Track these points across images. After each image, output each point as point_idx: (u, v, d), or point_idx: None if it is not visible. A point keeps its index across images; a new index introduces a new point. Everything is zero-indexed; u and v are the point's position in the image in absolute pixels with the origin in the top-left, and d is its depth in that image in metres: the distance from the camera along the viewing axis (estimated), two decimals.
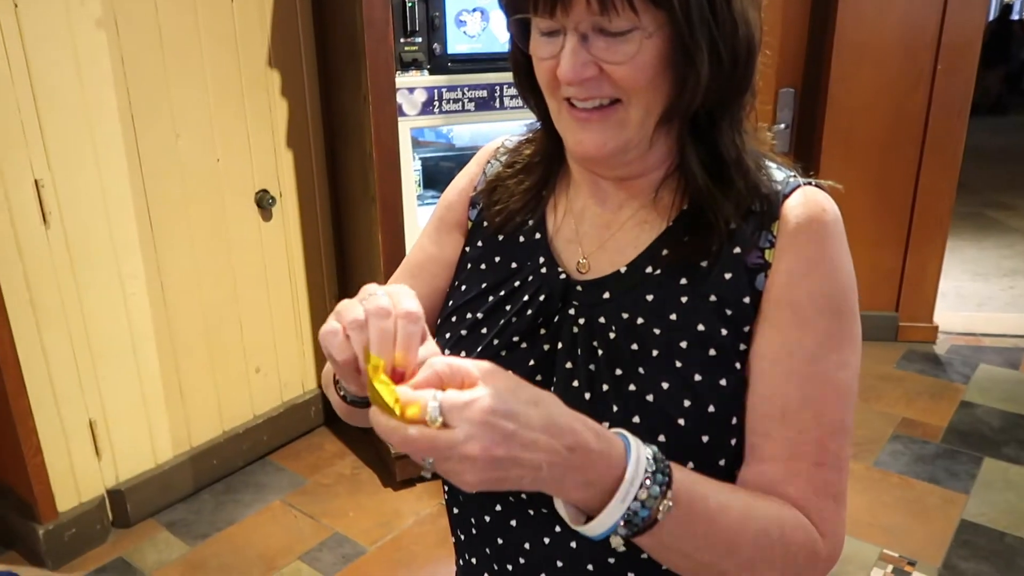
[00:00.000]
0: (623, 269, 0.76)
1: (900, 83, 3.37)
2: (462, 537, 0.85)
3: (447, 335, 0.83)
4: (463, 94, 2.40)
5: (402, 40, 2.26)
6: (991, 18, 12.34)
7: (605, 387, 0.72)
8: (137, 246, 2.32)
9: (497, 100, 2.44)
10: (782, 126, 3.61)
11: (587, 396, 0.73)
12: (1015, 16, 13.81)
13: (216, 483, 2.68)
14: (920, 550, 2.33)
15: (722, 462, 0.70)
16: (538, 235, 0.83)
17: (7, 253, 2.05)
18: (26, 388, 2.12)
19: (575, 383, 0.74)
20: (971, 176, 6.87)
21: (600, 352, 0.74)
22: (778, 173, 0.76)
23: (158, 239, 2.37)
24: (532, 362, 0.77)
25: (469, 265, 0.87)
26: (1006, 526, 2.42)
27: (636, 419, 0.70)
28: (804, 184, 0.74)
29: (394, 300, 0.60)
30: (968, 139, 3.49)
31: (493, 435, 0.52)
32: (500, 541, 0.79)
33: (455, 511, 0.85)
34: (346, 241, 2.88)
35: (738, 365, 0.71)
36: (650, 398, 0.70)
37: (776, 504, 0.67)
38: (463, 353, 0.80)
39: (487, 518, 0.79)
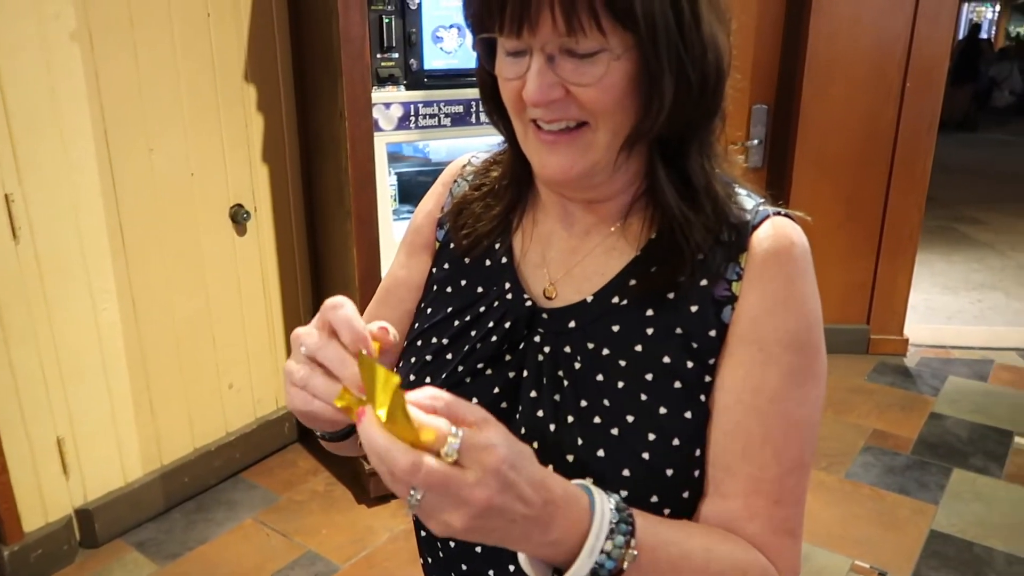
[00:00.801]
0: (589, 299, 0.75)
1: (870, 100, 3.44)
2: (429, 560, 0.85)
3: (412, 359, 0.83)
4: (439, 109, 2.41)
5: (379, 56, 2.27)
6: (960, 37, 12.62)
7: (570, 419, 0.72)
8: (109, 261, 2.30)
9: (473, 116, 2.46)
10: (755, 142, 3.66)
11: (552, 427, 0.72)
12: (983, 35, 14.13)
13: (187, 501, 2.64)
14: (891, 561, 2.36)
15: (686, 494, 0.70)
16: (505, 259, 0.82)
17: None
18: None
19: (540, 413, 0.73)
20: (941, 191, 7.01)
21: (566, 383, 0.73)
22: (748, 201, 0.75)
23: (130, 254, 2.35)
24: (497, 389, 0.76)
25: (435, 287, 0.86)
26: (974, 536, 2.46)
27: (601, 452, 0.70)
28: (773, 214, 0.74)
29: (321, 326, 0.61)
30: (938, 155, 3.56)
31: (500, 484, 0.52)
32: (464, 568, 0.78)
33: (422, 534, 0.85)
34: (321, 256, 2.87)
35: (703, 397, 0.71)
36: (615, 431, 0.70)
37: (737, 547, 0.68)
38: (428, 379, 0.79)
39: (452, 544, 0.79)
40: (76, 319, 2.25)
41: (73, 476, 2.34)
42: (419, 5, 2.28)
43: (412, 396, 0.55)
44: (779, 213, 0.74)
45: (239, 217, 2.58)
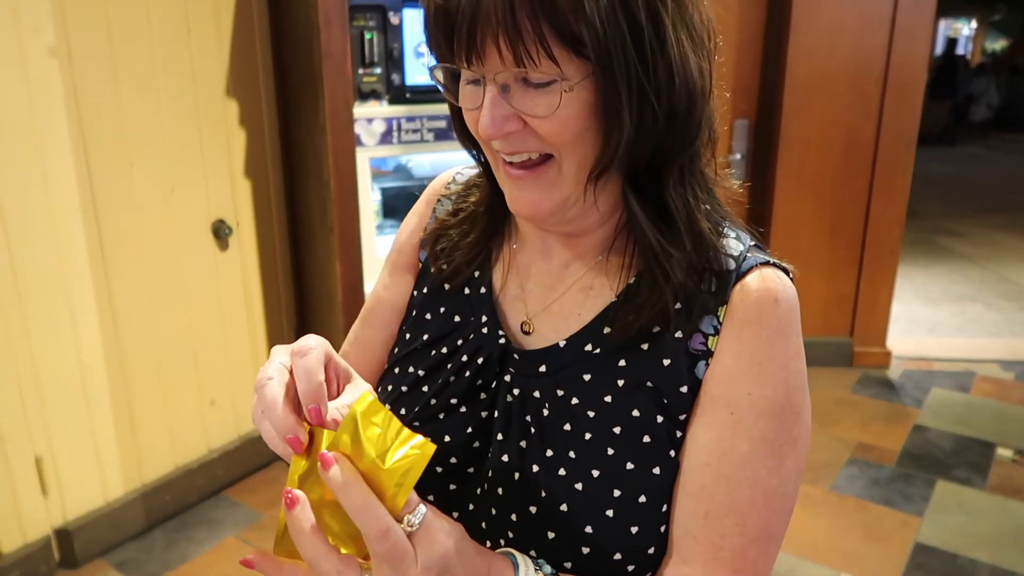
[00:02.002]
0: (562, 343, 0.73)
1: (850, 115, 3.48)
2: None
3: (389, 387, 0.82)
4: (422, 124, 2.42)
5: (361, 71, 2.27)
6: (938, 53, 12.83)
7: (535, 468, 0.70)
8: (88, 277, 2.28)
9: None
10: (737, 156, 3.69)
11: (516, 475, 0.71)
12: (959, 51, 14.36)
13: (169, 520, 2.61)
14: (876, 573, 2.36)
15: (651, 550, 0.68)
16: (483, 290, 0.79)
17: None
18: None
19: (505, 458, 0.72)
20: (921, 204, 7.10)
21: (533, 430, 0.71)
22: (735, 245, 0.70)
23: (110, 270, 2.33)
24: (470, 429, 0.74)
25: (415, 311, 0.85)
26: (959, 548, 2.46)
27: (564, 507, 0.68)
28: (761, 264, 0.69)
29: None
30: (918, 168, 3.60)
31: (440, 572, 0.55)
32: None
33: None
34: (304, 270, 2.85)
35: (673, 453, 0.68)
36: (579, 486, 0.68)
37: None
38: (403, 411, 0.78)
39: None
40: (55, 335, 2.23)
41: (52, 495, 2.30)
42: (401, 21, 2.29)
43: None
44: (768, 263, 0.70)
45: (221, 232, 2.57)
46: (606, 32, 0.58)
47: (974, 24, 17.92)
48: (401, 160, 2.71)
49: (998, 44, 17.82)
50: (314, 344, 0.62)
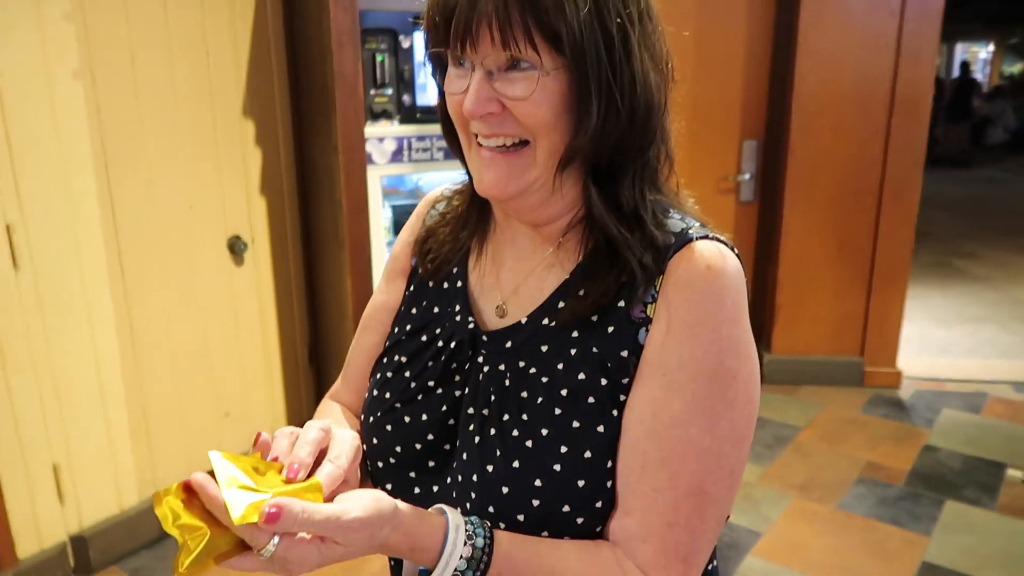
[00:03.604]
0: (524, 320, 0.80)
1: (857, 135, 3.51)
2: None
3: (377, 375, 0.89)
4: (432, 143, 2.48)
5: (372, 91, 2.35)
6: (954, 76, 12.82)
7: (492, 431, 0.76)
8: (107, 290, 2.35)
9: None
10: (747, 176, 3.73)
11: (476, 440, 0.77)
12: (976, 75, 14.32)
13: None
14: None
15: (599, 504, 0.73)
16: (460, 283, 0.87)
17: None
18: None
19: (471, 427, 0.78)
20: (936, 226, 7.07)
21: (493, 398, 0.78)
22: (678, 225, 0.76)
23: (129, 283, 2.40)
24: (444, 407, 0.81)
25: (403, 308, 0.92)
26: (966, 568, 2.45)
27: (515, 464, 0.74)
28: (699, 238, 0.74)
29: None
30: (935, 190, 3.64)
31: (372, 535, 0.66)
32: None
33: (392, 563, 0.90)
34: (317, 286, 2.92)
35: (615, 412, 0.73)
36: (529, 444, 0.74)
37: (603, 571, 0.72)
38: (388, 395, 0.85)
39: None
40: (74, 347, 2.29)
41: (68, 502, 2.36)
42: (411, 44, 2.36)
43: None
44: (706, 237, 0.75)
45: (236, 248, 2.64)
46: (582, 34, 0.68)
47: (991, 48, 17.89)
48: (415, 180, 2.77)
49: (1016, 67, 17.77)
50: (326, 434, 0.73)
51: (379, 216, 2.47)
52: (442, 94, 0.80)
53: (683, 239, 0.74)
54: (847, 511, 2.78)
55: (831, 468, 3.06)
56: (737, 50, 3.59)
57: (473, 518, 0.72)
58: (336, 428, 0.75)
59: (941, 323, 4.76)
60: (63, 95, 2.16)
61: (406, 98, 2.39)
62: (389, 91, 2.36)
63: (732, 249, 0.76)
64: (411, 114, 2.42)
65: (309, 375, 3.02)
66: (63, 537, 2.37)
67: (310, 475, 0.69)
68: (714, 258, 0.73)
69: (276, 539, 0.62)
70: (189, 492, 0.64)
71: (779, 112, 3.61)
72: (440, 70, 0.77)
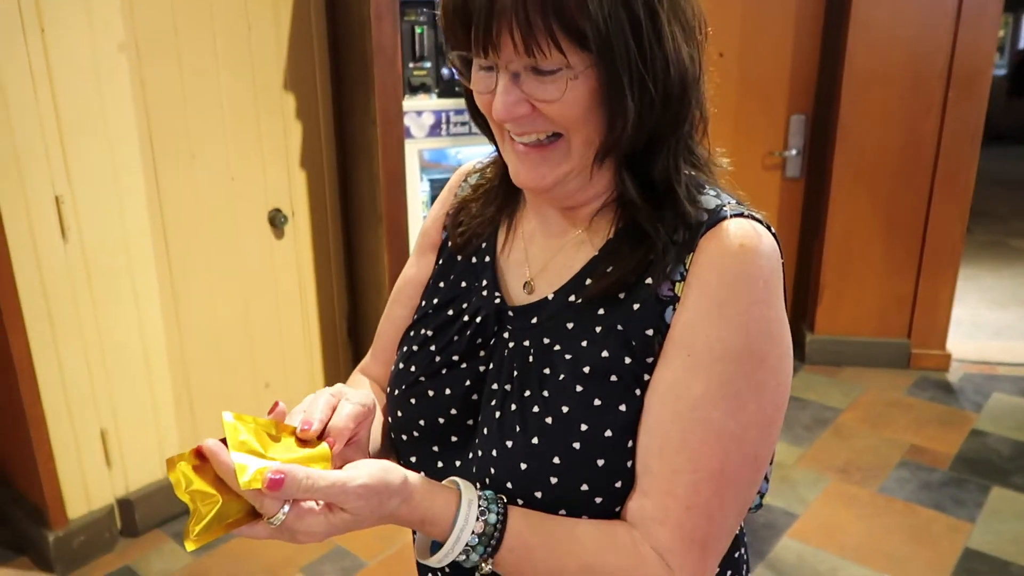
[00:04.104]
0: (550, 296, 0.79)
1: (911, 110, 3.39)
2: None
3: (403, 348, 0.89)
4: (470, 117, 2.46)
5: (411, 65, 2.34)
6: (1020, 47, 12.26)
7: (513, 407, 0.76)
8: (152, 261, 2.40)
9: None
10: (793, 152, 3.64)
11: (497, 415, 0.77)
12: None
13: None
14: None
15: (618, 484, 0.72)
16: (487, 257, 0.86)
17: (27, 266, 2.13)
18: (40, 397, 2.20)
19: (493, 402, 0.78)
20: (994, 204, 6.82)
21: (515, 373, 0.77)
22: (712, 202, 0.74)
23: (172, 255, 2.45)
24: (468, 382, 0.81)
25: (431, 282, 0.92)
26: (1012, 555, 2.39)
27: (535, 440, 0.73)
28: (733, 216, 0.72)
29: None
30: (992, 168, 3.51)
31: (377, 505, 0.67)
32: None
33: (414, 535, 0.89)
34: (355, 259, 2.94)
35: (638, 392, 0.72)
36: (549, 420, 0.73)
37: (620, 556, 0.70)
38: (413, 368, 0.85)
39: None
40: (120, 316, 2.36)
41: (115, 467, 2.44)
42: None
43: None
44: (741, 215, 0.72)
45: (277, 221, 2.67)
46: (608, 28, 0.65)
47: None
48: (455, 154, 2.76)
49: None
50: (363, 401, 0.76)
51: (417, 190, 2.47)
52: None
53: (716, 216, 0.72)
54: (888, 495, 2.72)
55: (872, 451, 3.00)
56: (786, 21, 3.48)
57: (488, 493, 0.72)
58: (348, 390, 0.77)
59: (994, 305, 4.61)
60: (109, 69, 2.20)
61: (445, 71, 2.37)
62: (428, 64, 2.35)
63: (768, 228, 0.73)
64: (450, 87, 2.40)
65: (348, 348, 3.05)
66: (110, 500, 2.45)
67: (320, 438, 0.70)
68: (748, 237, 0.70)
69: (287, 507, 0.62)
70: (201, 458, 0.64)
71: (829, 86, 3.50)
72: (464, 65, 0.74)
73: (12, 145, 2.05)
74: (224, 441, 0.64)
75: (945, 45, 3.28)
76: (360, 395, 0.76)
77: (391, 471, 0.67)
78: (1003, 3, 3.25)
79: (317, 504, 0.64)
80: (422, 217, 2.54)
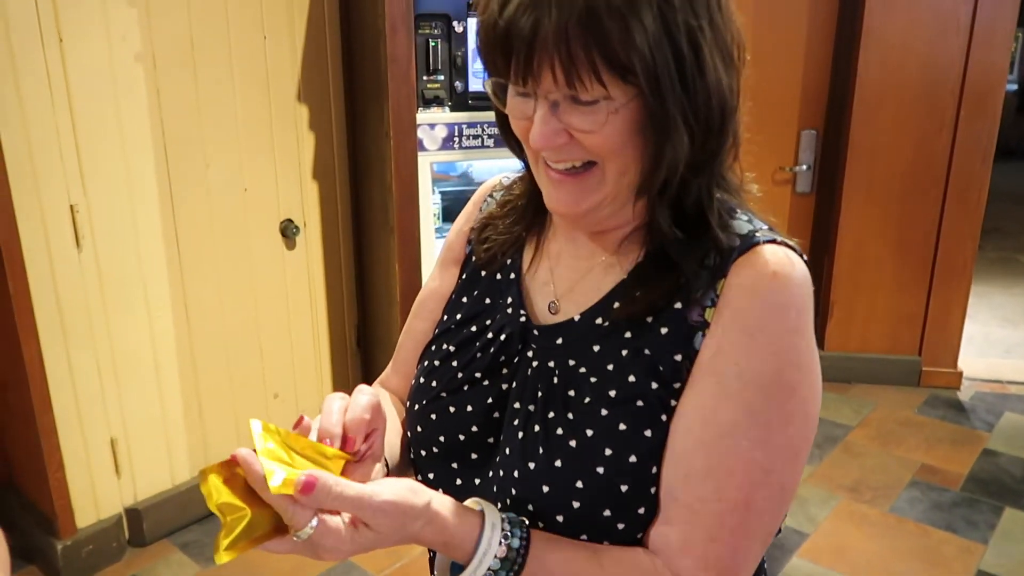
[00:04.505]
0: (577, 318, 0.78)
1: (923, 126, 3.38)
2: None
3: (424, 363, 0.88)
4: (482, 130, 2.47)
5: (425, 78, 2.34)
6: None
7: (536, 428, 0.75)
8: (164, 270, 2.41)
9: None
10: (804, 167, 3.63)
11: (520, 435, 0.76)
12: None
13: None
14: None
15: (641, 510, 0.71)
16: (512, 275, 0.85)
17: (41, 273, 2.14)
18: (51, 405, 2.20)
19: (516, 422, 0.77)
20: (1006, 221, 6.79)
21: (540, 394, 0.76)
22: (744, 227, 0.73)
23: (184, 264, 2.45)
24: (490, 400, 0.80)
25: (454, 296, 0.91)
26: None
27: (558, 463, 0.72)
28: (766, 242, 0.71)
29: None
30: (1004, 184, 3.48)
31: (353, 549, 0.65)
32: None
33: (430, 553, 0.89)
34: (367, 271, 2.94)
35: (664, 418, 0.71)
36: (573, 443, 0.72)
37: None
38: (434, 383, 0.84)
39: None
40: (132, 325, 2.36)
41: (124, 476, 2.44)
42: (464, 29, 2.35)
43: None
44: (774, 241, 0.71)
45: (289, 232, 2.68)
46: (655, 60, 0.64)
47: None
48: (464, 167, 2.77)
49: None
50: (363, 395, 0.73)
51: (429, 202, 2.47)
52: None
53: (749, 242, 0.71)
54: (898, 515, 2.70)
55: (883, 470, 2.98)
56: (798, 35, 3.48)
57: (511, 516, 0.71)
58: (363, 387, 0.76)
59: (1006, 322, 4.58)
60: (125, 78, 2.21)
61: (458, 84, 2.38)
62: (441, 77, 2.36)
63: (801, 256, 0.73)
64: (463, 101, 2.41)
65: (357, 359, 3.05)
66: (119, 509, 2.45)
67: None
68: (782, 264, 0.69)
69: (315, 521, 0.62)
70: (230, 470, 0.64)
71: (840, 101, 3.50)
72: (500, 90, 0.73)
73: (29, 154, 2.07)
74: (253, 450, 0.64)
75: (957, 61, 3.27)
76: (371, 390, 0.75)
77: (418, 492, 0.66)
78: (1016, 19, 3.24)
79: (344, 521, 0.64)
80: (434, 229, 2.54)
